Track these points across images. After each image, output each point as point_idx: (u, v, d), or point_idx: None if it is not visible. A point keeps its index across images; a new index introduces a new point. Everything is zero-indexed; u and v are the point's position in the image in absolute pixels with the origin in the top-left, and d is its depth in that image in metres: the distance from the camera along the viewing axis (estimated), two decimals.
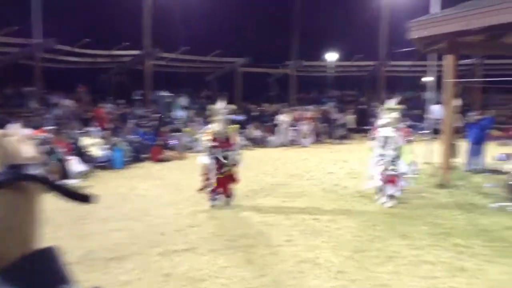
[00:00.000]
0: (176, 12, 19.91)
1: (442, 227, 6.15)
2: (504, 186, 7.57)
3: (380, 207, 7.21)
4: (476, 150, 10.18)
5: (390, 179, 7.20)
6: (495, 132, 13.46)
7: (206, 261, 4.99)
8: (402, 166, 7.27)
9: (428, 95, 12.18)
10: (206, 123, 7.65)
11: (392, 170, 7.19)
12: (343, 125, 19.06)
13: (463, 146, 10.20)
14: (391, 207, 7.15)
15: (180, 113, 17.72)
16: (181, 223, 6.49)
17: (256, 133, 16.79)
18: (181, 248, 5.38)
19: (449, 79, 9.03)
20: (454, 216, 6.67)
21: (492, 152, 10.58)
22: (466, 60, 15.87)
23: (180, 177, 9.87)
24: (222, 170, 7.24)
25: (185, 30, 19.95)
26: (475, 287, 4.31)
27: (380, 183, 7.30)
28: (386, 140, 7.24)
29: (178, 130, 15.04)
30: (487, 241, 5.56)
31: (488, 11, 7.36)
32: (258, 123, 17.53)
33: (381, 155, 7.26)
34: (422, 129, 12.04)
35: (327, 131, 18.36)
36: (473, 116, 10.94)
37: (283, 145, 16.41)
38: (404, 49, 16.08)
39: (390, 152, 7.19)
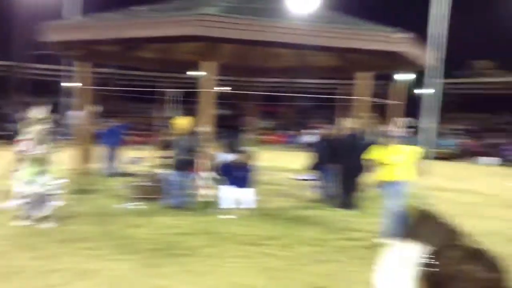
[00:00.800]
0: None
1: (73, 233, 6.11)
2: (130, 187, 8.24)
3: (8, 223, 6.49)
4: (112, 154, 10.73)
5: (41, 199, 6.47)
6: (132, 138, 14.60)
7: None
8: (53, 183, 6.61)
9: (67, 100, 12.05)
10: None
11: (42, 188, 6.44)
12: None
13: (100, 151, 10.53)
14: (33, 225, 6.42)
15: None
16: None
17: None
18: None
19: (84, 86, 9.17)
20: (87, 221, 6.75)
21: (128, 155, 11.38)
22: (103, 69, 16.60)
23: None
24: None
25: None
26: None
27: (26, 202, 6.43)
28: (33, 156, 6.46)
29: None
30: (112, 240, 5.88)
31: (122, 24, 7.83)
32: None
33: (28, 173, 6.43)
34: (61, 135, 11.79)
35: None
36: (110, 122, 11.49)
37: None
38: (43, 52, 15.42)
39: (37, 169, 6.47)
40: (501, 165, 18.54)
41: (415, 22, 11.96)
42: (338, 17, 8.91)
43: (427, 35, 7.81)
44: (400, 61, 9.61)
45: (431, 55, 8.14)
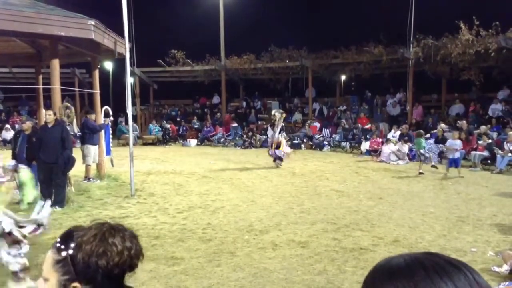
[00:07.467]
0: None
1: None
2: None
3: None
4: None
5: None
6: None
7: None
8: None
9: None
10: None
11: None
12: None
13: None
14: None
15: None
16: None
17: None
18: None
19: None
20: None
21: None
22: None
23: None
24: None
25: None
26: None
27: None
28: None
29: None
30: None
31: None
32: None
33: None
34: None
35: None
36: None
37: None
38: None
39: None
40: (203, 145, 20.71)
41: (109, 11, 11.96)
42: (24, 1, 8.05)
43: (123, 24, 7.88)
44: (95, 49, 9.47)
45: (126, 44, 8.28)
